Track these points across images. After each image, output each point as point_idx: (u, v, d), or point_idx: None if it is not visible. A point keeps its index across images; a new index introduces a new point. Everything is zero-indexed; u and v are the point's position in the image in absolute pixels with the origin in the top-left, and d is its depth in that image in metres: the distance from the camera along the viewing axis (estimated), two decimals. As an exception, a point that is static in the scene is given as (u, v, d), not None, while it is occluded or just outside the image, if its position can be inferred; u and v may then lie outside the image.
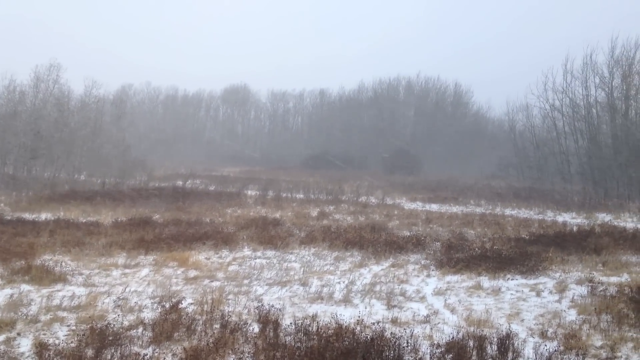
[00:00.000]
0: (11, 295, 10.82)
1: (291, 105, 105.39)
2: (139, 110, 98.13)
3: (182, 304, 10.17)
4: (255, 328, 8.86)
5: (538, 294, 11.82)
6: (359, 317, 9.65)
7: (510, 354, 7.70)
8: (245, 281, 12.66)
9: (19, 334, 8.63)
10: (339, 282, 12.70)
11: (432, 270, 14.14)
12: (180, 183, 40.02)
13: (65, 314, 9.76)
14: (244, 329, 8.59)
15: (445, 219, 24.72)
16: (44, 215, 23.15)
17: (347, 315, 9.87)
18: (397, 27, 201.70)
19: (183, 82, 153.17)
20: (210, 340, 7.93)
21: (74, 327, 9.00)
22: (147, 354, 7.52)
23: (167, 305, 9.84)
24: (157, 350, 7.86)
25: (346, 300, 11.13)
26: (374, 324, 9.26)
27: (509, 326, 9.20)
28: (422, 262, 15.12)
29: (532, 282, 12.92)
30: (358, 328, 8.72)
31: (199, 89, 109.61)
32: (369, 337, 7.89)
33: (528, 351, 7.98)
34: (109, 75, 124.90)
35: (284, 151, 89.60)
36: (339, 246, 16.83)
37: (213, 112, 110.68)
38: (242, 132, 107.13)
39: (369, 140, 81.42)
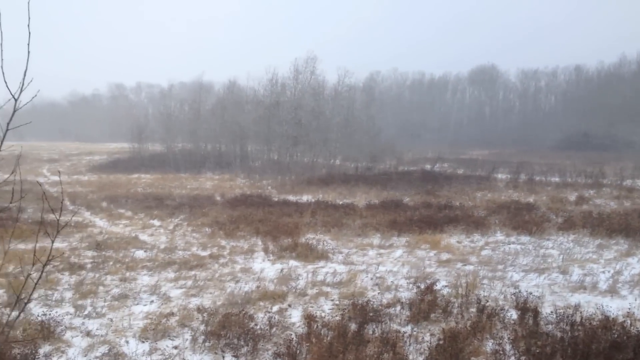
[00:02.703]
0: (281, 270, 11.95)
1: (543, 83, 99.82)
2: (386, 97, 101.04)
3: (436, 285, 10.29)
4: (513, 314, 8.62)
5: None
6: (629, 309, 8.84)
7: None
8: (500, 266, 12.36)
9: (289, 306, 9.49)
10: (603, 272, 11.75)
11: None
12: (428, 167, 40.38)
13: (328, 289, 10.49)
14: (501, 315, 8.40)
15: None
16: (305, 197, 25.11)
17: (614, 306, 9.11)
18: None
19: (429, 66, 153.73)
20: (467, 324, 7.91)
21: (337, 302, 9.64)
22: (406, 332, 7.75)
23: (422, 286, 10.03)
24: (415, 329, 8.06)
25: (612, 291, 10.27)
26: (647, 318, 8.41)
27: None
28: None
29: None
30: (627, 321, 7.98)
31: (445, 72, 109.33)
32: (641, 332, 7.19)
33: None
34: (358, 63, 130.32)
35: (535, 132, 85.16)
36: (601, 233, 15.55)
37: (459, 95, 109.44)
38: (489, 114, 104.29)
39: (635, 119, 73.60)
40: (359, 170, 38.53)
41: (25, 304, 3.70)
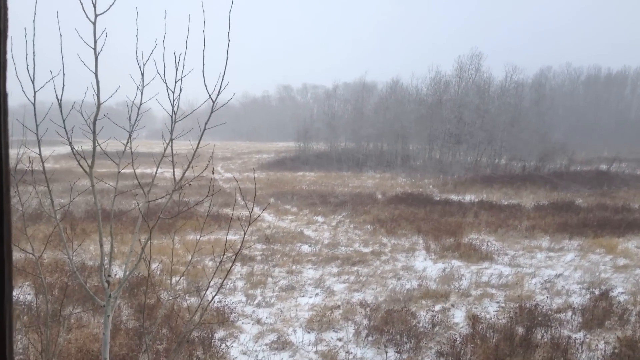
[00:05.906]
0: (444, 270, 11.79)
1: None
2: (558, 93, 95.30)
3: (612, 292, 9.63)
4: (703, 328, 7.83)
5: None
6: None
7: None
8: (687, 275, 11.25)
9: (452, 306, 9.35)
10: None
11: None
12: (603, 167, 37.68)
13: (493, 290, 10.19)
14: (687, 328, 7.66)
15: None
16: (467, 197, 24.54)
17: None
18: None
19: (606, 59, 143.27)
20: (648, 334, 7.30)
21: (503, 304, 9.33)
22: (578, 339, 7.32)
23: (597, 292, 9.43)
24: (588, 336, 7.59)
25: None
26: None
27: None
28: None
29: None
30: None
31: (624, 66, 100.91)
32: None
33: None
34: (526, 59, 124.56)
35: None
36: None
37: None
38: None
39: None
40: (526, 170, 36.88)
41: (211, 291, 3.98)
